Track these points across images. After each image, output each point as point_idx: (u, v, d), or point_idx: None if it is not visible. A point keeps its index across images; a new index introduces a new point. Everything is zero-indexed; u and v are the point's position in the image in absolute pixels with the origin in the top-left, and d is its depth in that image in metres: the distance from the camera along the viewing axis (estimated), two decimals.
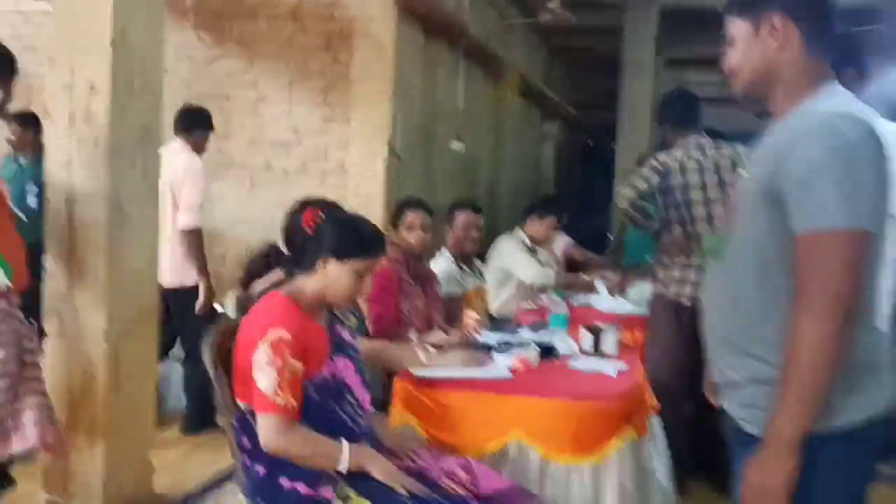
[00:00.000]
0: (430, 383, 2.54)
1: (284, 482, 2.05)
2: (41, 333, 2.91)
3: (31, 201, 4.47)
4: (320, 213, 2.18)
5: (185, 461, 3.78)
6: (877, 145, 1.53)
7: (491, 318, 3.83)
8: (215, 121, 4.66)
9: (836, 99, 1.63)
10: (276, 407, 1.99)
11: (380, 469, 2.05)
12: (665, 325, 3.51)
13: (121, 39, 2.88)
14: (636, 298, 4.35)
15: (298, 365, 2.02)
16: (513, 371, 2.65)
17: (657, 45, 8.28)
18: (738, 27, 1.70)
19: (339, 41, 5.63)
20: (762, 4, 1.66)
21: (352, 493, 2.03)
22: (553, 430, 2.39)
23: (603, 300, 4.29)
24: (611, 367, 2.73)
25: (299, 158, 5.83)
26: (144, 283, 3.12)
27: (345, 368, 2.16)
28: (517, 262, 4.33)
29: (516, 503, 2.15)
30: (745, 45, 1.69)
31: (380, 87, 5.31)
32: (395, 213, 3.31)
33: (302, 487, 2.05)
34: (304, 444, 2.04)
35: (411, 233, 3.18)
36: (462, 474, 2.20)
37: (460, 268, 3.85)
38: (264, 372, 1.99)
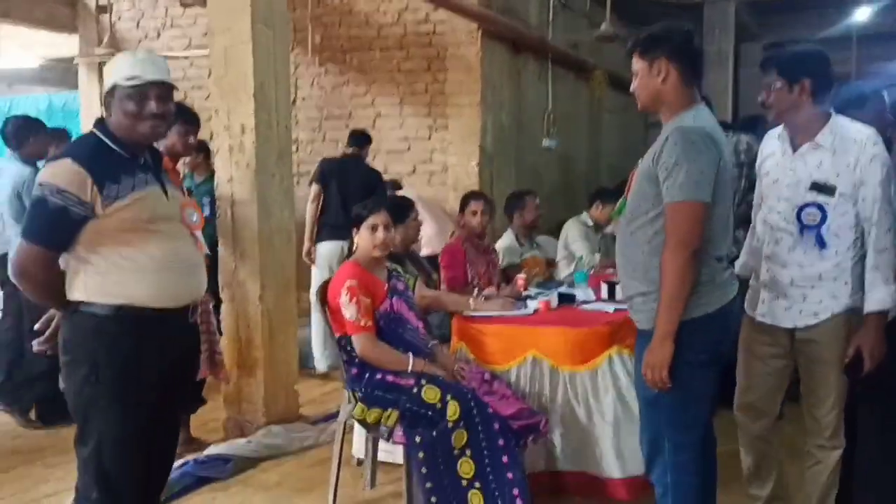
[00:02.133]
0: (476, 320, 3.62)
1: (375, 375, 3.20)
2: (217, 300, 4.20)
3: (205, 210, 5.89)
4: None
5: (324, 396, 5.06)
6: (713, 147, 2.47)
7: (549, 280, 4.82)
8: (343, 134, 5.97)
9: (694, 116, 2.56)
10: (360, 328, 3.14)
11: (438, 369, 3.16)
12: None
13: (260, 91, 4.13)
14: None
15: (367, 299, 3.16)
16: (536, 311, 3.69)
17: (740, 33, 8.86)
18: (639, 64, 2.66)
19: (437, 63, 6.79)
20: (654, 50, 2.62)
21: (424, 382, 3.14)
22: (558, 347, 3.41)
23: None
24: (610, 307, 3.71)
25: (410, 162, 7.03)
26: (284, 262, 4.37)
27: (399, 306, 3.30)
28: (576, 245, 5.29)
29: (528, 419, 3.19)
30: (643, 78, 2.65)
31: (469, 100, 6.43)
32: (462, 203, 4.43)
33: (389, 377, 3.18)
34: (384, 353, 3.19)
35: (474, 217, 4.29)
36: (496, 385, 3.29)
37: (520, 243, 4.90)
38: (347, 307, 3.14)
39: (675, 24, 2.66)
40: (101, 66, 7.98)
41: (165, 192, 2.44)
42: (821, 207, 2.67)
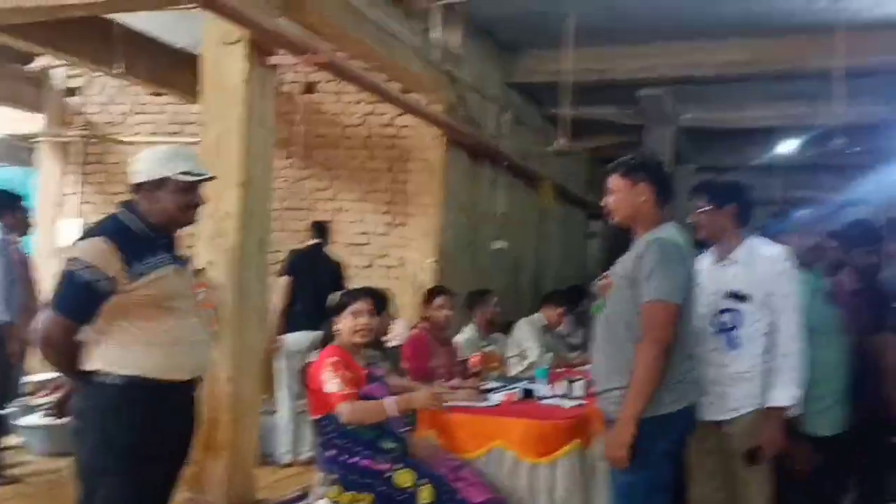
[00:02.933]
0: (444, 409, 3.81)
1: (349, 459, 3.33)
2: None
3: None
4: None
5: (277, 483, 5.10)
6: (683, 256, 2.82)
7: (503, 375, 5.05)
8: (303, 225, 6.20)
9: (667, 230, 2.91)
10: (345, 396, 3.29)
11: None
12: None
13: (247, 181, 4.36)
14: None
15: (350, 374, 3.33)
16: (500, 403, 3.90)
17: (677, 157, 9.57)
18: (618, 183, 3.00)
19: (399, 164, 7.15)
20: (636, 174, 2.97)
21: (398, 466, 3.28)
22: (521, 438, 3.62)
23: None
24: (568, 403, 3.96)
25: (368, 257, 7.27)
26: (255, 345, 4.51)
27: (379, 391, 3.48)
28: (528, 345, 5.57)
29: None
30: (623, 195, 2.98)
31: (431, 200, 6.76)
32: (428, 296, 4.67)
33: (365, 461, 3.32)
34: (366, 410, 3.36)
35: (440, 311, 4.53)
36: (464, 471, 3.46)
37: (481, 337, 5.16)
38: (331, 382, 3.30)
39: (652, 154, 3.11)
40: (63, 146, 8.14)
41: (181, 272, 2.63)
42: (734, 313, 3.07)
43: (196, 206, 2.67)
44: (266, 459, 5.48)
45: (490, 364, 4.84)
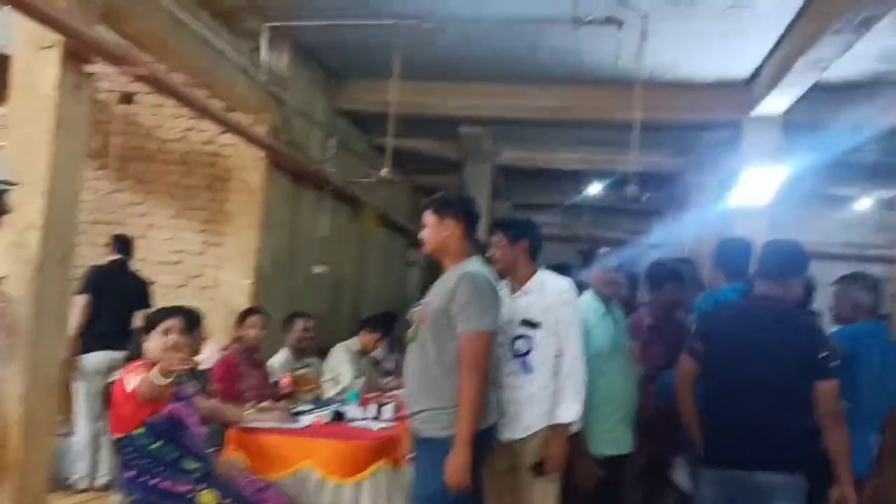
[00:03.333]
0: (251, 431, 3.81)
1: (150, 480, 3.26)
2: None
3: None
4: None
5: None
6: (492, 287, 3.04)
7: (318, 398, 5.08)
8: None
9: (474, 264, 3.11)
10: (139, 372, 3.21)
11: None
12: None
13: (53, 192, 4.17)
14: None
15: None
16: (310, 425, 3.95)
17: (494, 192, 10.06)
18: (430, 218, 3.18)
19: (219, 183, 7.03)
20: (444, 210, 3.16)
21: (200, 488, 3.24)
22: (329, 459, 3.69)
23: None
24: (375, 426, 4.08)
25: (182, 275, 7.07)
26: (52, 363, 4.29)
27: (183, 411, 3.42)
28: (342, 369, 5.64)
29: None
30: (433, 229, 3.16)
31: (249, 221, 6.70)
32: (241, 317, 4.65)
33: (166, 482, 3.26)
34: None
35: (251, 330, 4.52)
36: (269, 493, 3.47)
37: (295, 359, 5.18)
38: (132, 381, 3.20)
39: (462, 194, 3.35)
40: None
41: None
42: (527, 339, 3.31)
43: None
44: (61, 484, 5.18)
45: (304, 387, 4.87)
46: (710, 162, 8.68)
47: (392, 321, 7.30)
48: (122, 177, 7.19)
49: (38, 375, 4.13)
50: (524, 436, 3.31)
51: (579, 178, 10.34)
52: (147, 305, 5.74)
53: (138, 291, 5.83)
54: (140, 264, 6.91)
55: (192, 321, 3.96)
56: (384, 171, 6.31)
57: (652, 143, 7.01)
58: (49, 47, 4.15)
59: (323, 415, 4.09)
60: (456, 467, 2.91)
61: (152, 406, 3.32)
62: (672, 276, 4.50)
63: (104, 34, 4.50)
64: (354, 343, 5.95)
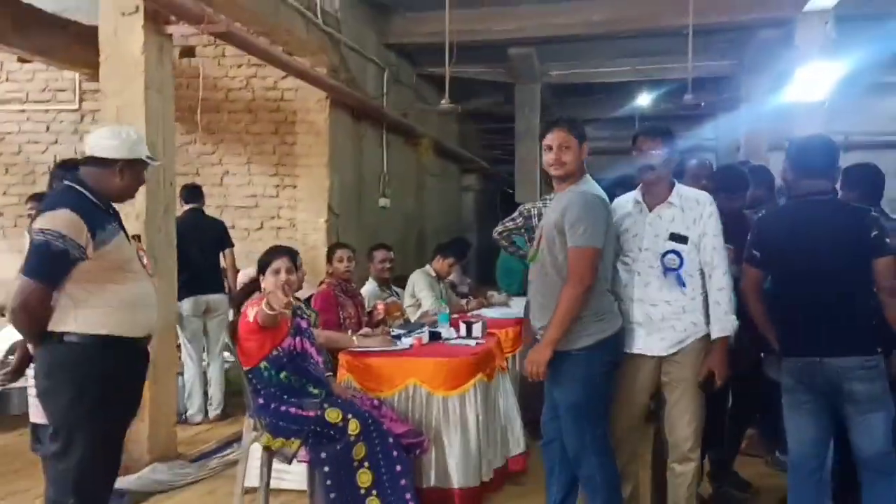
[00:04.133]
0: (359, 355, 4.15)
1: (280, 406, 3.62)
2: None
3: None
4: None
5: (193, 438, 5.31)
6: (604, 205, 3.21)
7: (407, 321, 5.42)
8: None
9: (588, 184, 3.30)
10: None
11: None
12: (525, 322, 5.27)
13: (151, 151, 4.45)
14: (517, 309, 6.10)
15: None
16: (411, 346, 4.28)
17: (544, 111, 10.16)
18: (572, 142, 3.25)
19: (285, 127, 7.29)
20: (582, 134, 3.30)
21: (326, 406, 3.59)
22: (433, 375, 4.02)
23: (488, 311, 6.01)
24: (472, 342, 4.39)
25: (258, 218, 7.42)
26: (169, 309, 4.67)
27: (303, 344, 3.77)
28: (423, 294, 5.94)
29: (414, 438, 3.76)
30: (575, 152, 3.26)
31: (317, 161, 6.97)
32: (329, 253, 4.98)
33: (293, 409, 3.61)
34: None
35: (341, 264, 4.85)
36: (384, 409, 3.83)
37: (381, 289, 5.50)
38: (252, 312, 3.55)
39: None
40: None
41: (128, 239, 2.85)
42: (678, 254, 3.25)
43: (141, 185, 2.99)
44: (178, 419, 5.64)
45: (393, 313, 5.20)
46: (763, 62, 8.64)
47: (465, 247, 7.58)
48: (193, 129, 7.48)
49: (159, 318, 4.51)
50: (676, 350, 3.30)
51: (629, 90, 10.36)
52: (228, 245, 6.10)
53: (217, 234, 6.15)
54: (218, 210, 7.29)
55: (295, 260, 4.28)
56: (444, 102, 6.47)
57: (703, 48, 7.02)
58: (133, 13, 4.39)
59: (422, 335, 4.40)
60: (533, 359, 3.15)
61: (273, 340, 3.66)
62: (737, 182, 4.46)
63: None
64: (430, 269, 6.23)
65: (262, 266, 3.81)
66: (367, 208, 8.04)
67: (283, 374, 3.69)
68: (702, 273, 3.30)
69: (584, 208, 3.16)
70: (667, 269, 3.27)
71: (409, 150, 9.41)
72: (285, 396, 3.66)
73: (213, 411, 5.93)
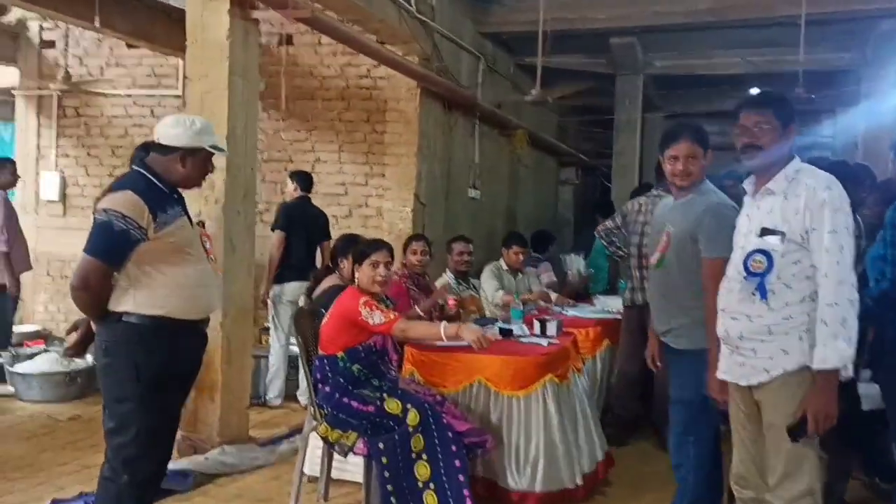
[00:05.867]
0: (425, 349, 4.06)
1: (343, 398, 3.58)
2: None
3: None
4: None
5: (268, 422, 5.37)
6: (735, 213, 2.97)
7: (483, 316, 5.31)
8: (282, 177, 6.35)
9: (715, 192, 3.31)
10: (393, 320, 3.55)
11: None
12: (625, 319, 5.20)
13: (232, 136, 4.51)
14: (600, 308, 5.88)
15: (382, 304, 3.61)
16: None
17: (646, 104, 9.80)
18: (699, 151, 3.27)
19: (377, 115, 7.27)
20: (706, 143, 3.34)
21: (386, 396, 3.54)
22: (500, 374, 3.89)
23: (570, 310, 5.82)
24: (544, 341, 4.23)
25: (347, 206, 7.45)
26: (245, 292, 4.71)
27: (386, 341, 3.73)
28: (485, 286, 5.82)
29: (476, 437, 3.64)
30: (701, 162, 3.29)
31: (406, 150, 6.93)
32: (404, 245, 4.92)
33: (354, 402, 3.57)
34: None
35: (414, 256, 4.78)
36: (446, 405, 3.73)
37: (458, 282, 5.40)
38: (373, 315, 3.54)
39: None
40: (40, 99, 8.15)
41: (191, 222, 2.92)
42: (767, 254, 2.57)
43: (208, 173, 3.04)
44: (258, 401, 5.73)
45: (469, 307, 5.09)
46: (886, 55, 8.03)
47: (547, 240, 7.40)
48: (288, 115, 7.58)
49: (232, 304, 4.56)
50: (763, 381, 2.63)
51: (737, 82, 9.85)
52: (328, 237, 6.15)
53: (321, 225, 6.22)
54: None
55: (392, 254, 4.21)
56: (534, 92, 6.30)
57: (818, 39, 6.56)
58: None
59: (491, 332, 4.26)
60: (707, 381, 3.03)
61: (367, 333, 3.65)
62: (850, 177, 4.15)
63: None
64: (501, 262, 6.09)
65: (360, 256, 3.78)
66: (456, 199, 7.95)
67: (356, 367, 3.67)
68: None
69: (721, 219, 3.10)
70: (749, 273, 2.62)
71: (502, 140, 9.26)
72: (350, 388, 3.63)
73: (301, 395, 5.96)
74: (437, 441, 3.46)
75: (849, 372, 2.51)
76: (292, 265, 5.73)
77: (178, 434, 4.55)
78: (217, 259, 4.41)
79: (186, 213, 2.94)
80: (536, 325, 4.52)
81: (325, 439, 3.63)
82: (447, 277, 5.45)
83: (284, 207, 6.06)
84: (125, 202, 2.70)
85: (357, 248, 3.84)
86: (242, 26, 4.57)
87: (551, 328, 4.49)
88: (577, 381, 4.31)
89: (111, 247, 2.71)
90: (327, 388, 3.63)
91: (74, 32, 7.95)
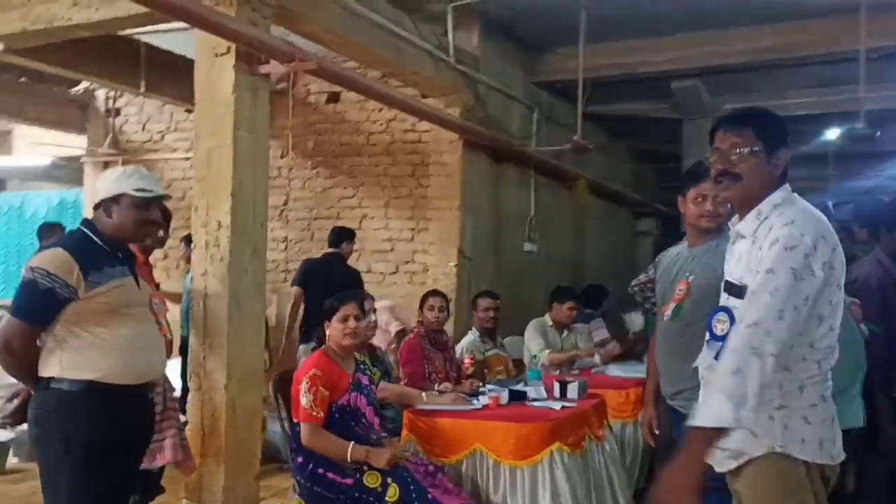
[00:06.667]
0: (426, 413, 3.77)
1: (317, 469, 3.32)
2: (186, 388, 4.35)
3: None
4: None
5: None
6: None
7: (511, 377, 4.95)
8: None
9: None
10: (310, 417, 3.29)
11: (374, 458, 3.28)
12: None
13: (238, 191, 4.40)
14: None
15: (326, 392, 3.33)
16: (485, 406, 3.83)
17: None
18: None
19: (421, 169, 7.12)
20: None
21: (366, 469, 3.26)
22: (501, 442, 3.54)
23: (613, 369, 5.39)
24: (558, 405, 3.85)
25: (394, 263, 7.27)
26: (252, 354, 4.54)
27: (358, 401, 3.46)
28: (530, 343, 5.44)
29: None
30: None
31: (449, 204, 6.72)
32: (422, 300, 4.64)
33: (330, 474, 3.31)
34: (327, 441, 3.34)
35: (430, 313, 4.49)
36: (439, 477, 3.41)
37: (482, 340, 5.07)
38: (304, 395, 3.30)
39: None
40: (106, 165, 8.41)
41: (137, 283, 2.76)
42: (729, 313, 2.16)
43: (152, 222, 2.83)
44: (284, 466, 5.51)
45: (495, 368, 4.77)
46: None
47: (601, 294, 6.98)
48: (335, 173, 7.54)
49: (237, 366, 4.39)
50: (732, 467, 2.15)
51: (813, 122, 9.24)
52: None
53: (348, 283, 6.02)
54: (356, 254, 7.21)
55: (364, 306, 3.99)
56: (576, 138, 6.00)
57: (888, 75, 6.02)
58: (225, 53, 4.38)
59: (500, 394, 3.93)
60: None
61: (332, 396, 3.39)
62: None
63: (281, 36, 4.69)
64: (547, 318, 5.72)
65: (330, 312, 3.57)
66: (509, 253, 7.65)
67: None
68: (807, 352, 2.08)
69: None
70: (712, 337, 2.20)
71: (563, 192, 8.93)
72: (324, 459, 3.36)
73: None
74: None
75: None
76: (312, 326, 5.55)
77: (182, 501, 4.44)
78: (219, 320, 4.32)
79: (132, 272, 2.78)
80: (556, 386, 4.15)
81: None
82: (471, 335, 5.14)
83: (304, 263, 5.94)
84: (52, 260, 2.58)
85: (327, 303, 3.61)
86: (250, 82, 4.50)
87: (572, 390, 4.11)
88: (597, 449, 3.90)
89: (35, 306, 2.57)
90: (300, 459, 3.38)
91: (138, 100, 8.22)
